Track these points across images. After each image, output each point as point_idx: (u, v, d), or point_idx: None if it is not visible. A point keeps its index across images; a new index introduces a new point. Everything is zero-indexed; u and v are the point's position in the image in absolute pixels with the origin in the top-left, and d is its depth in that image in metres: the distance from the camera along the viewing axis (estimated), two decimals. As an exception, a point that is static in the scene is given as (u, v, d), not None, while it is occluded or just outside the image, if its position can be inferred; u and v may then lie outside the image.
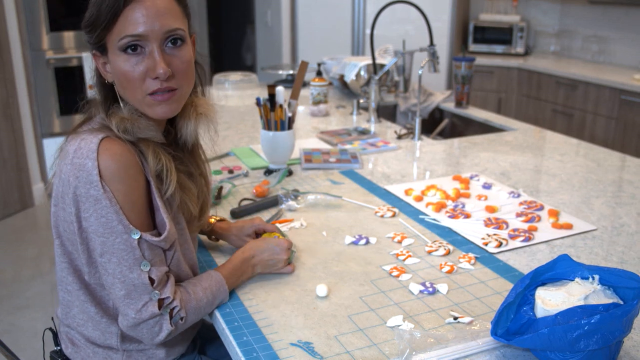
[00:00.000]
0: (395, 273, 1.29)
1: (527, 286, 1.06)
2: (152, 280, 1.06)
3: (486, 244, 1.43)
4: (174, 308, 1.08)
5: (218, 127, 1.24)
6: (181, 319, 1.10)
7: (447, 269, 1.31)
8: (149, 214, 1.09)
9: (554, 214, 1.60)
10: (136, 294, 1.04)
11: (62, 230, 1.10)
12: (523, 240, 1.46)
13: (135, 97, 1.08)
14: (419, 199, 1.71)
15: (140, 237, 1.04)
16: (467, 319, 1.12)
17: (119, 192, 1.02)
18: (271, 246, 1.27)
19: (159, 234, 1.08)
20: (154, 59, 1.05)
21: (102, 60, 1.10)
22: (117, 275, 1.04)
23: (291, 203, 1.63)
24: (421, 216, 1.60)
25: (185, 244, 1.19)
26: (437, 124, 2.87)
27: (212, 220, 1.43)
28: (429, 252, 1.39)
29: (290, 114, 1.84)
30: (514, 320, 1.03)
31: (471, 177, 1.90)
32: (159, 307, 1.06)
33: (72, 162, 1.02)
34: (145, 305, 1.05)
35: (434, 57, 2.50)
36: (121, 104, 1.10)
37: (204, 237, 1.47)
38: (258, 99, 1.83)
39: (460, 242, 1.45)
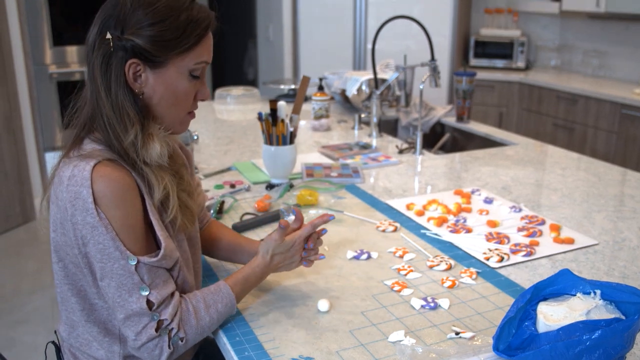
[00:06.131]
0: (396, 288, 1.29)
1: (528, 301, 1.05)
2: (151, 304, 1.05)
3: (488, 259, 1.43)
4: (171, 330, 1.07)
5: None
6: (181, 339, 1.09)
7: (448, 283, 1.31)
8: (149, 236, 1.08)
9: (556, 228, 1.59)
10: (136, 318, 1.04)
11: (64, 255, 1.10)
12: (525, 255, 1.45)
13: (177, 114, 1.13)
14: (420, 213, 1.71)
15: (138, 262, 1.04)
16: (468, 334, 1.12)
17: (116, 218, 1.02)
18: (288, 248, 1.23)
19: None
20: (204, 84, 1.14)
21: (139, 70, 1.06)
22: (117, 300, 1.04)
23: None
24: (423, 231, 1.60)
25: (187, 263, 1.18)
26: (438, 139, 2.88)
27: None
28: (431, 267, 1.39)
29: (292, 129, 1.85)
30: (515, 336, 1.02)
31: (472, 192, 1.90)
32: (157, 329, 1.05)
33: (67, 189, 1.02)
34: (144, 328, 1.05)
35: (435, 71, 2.51)
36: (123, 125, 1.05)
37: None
38: (260, 114, 1.84)
39: (462, 257, 1.45)
